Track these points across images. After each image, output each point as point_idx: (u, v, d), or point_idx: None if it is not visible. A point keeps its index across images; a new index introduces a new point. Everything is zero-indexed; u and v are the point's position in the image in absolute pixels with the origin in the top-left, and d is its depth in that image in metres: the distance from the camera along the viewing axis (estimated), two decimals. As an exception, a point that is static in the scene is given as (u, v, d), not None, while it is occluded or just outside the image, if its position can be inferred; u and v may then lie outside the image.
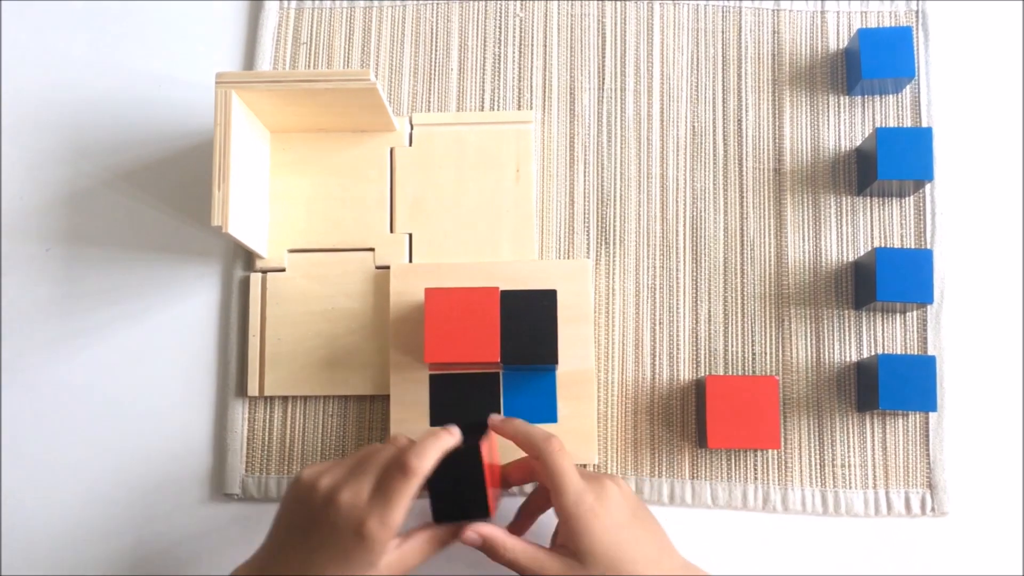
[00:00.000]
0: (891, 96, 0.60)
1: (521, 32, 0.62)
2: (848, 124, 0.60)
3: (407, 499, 0.43)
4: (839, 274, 0.58)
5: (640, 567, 0.45)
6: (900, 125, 0.60)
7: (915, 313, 0.57)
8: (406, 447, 0.45)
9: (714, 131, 0.60)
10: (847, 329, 0.57)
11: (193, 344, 0.59)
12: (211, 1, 0.64)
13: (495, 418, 0.50)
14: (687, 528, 0.55)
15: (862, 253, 0.58)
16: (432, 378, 0.55)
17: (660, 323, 0.58)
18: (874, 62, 0.57)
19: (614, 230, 0.59)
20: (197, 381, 0.58)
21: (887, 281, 0.53)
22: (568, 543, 0.46)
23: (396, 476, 0.43)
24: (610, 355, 0.58)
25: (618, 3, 0.62)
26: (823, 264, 0.58)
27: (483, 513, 0.46)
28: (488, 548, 0.47)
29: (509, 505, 0.53)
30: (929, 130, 0.55)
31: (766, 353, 0.57)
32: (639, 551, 0.45)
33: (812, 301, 0.58)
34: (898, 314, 0.57)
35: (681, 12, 0.62)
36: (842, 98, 0.60)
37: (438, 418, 0.52)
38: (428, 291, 0.52)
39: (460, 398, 0.52)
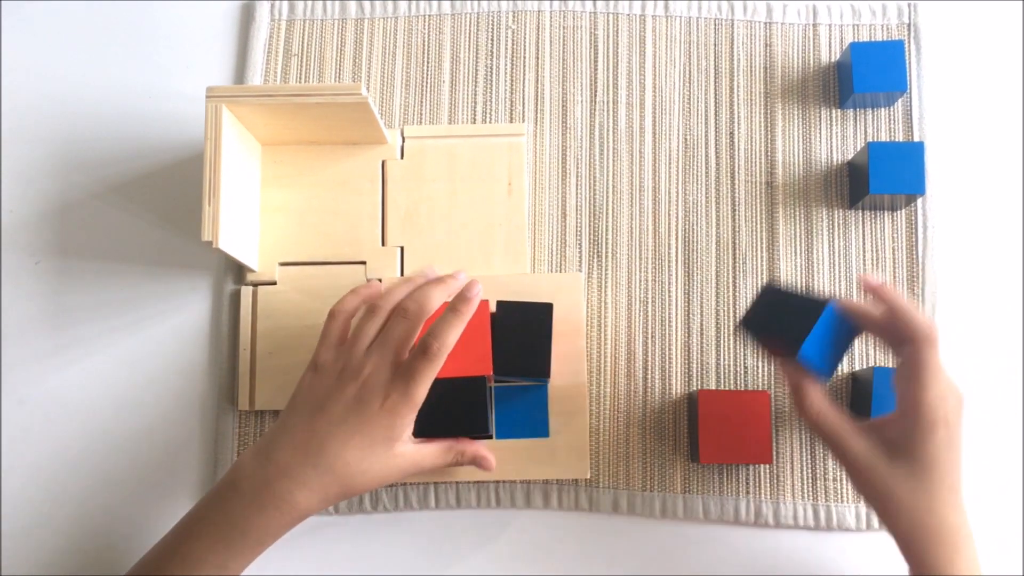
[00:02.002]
0: (883, 109, 0.60)
1: (513, 44, 0.62)
2: (840, 137, 0.60)
3: (429, 379, 0.47)
4: (831, 288, 0.58)
5: (943, 495, 0.43)
6: (892, 139, 0.60)
7: (907, 327, 0.57)
8: (430, 331, 0.48)
9: (706, 144, 0.60)
10: (839, 343, 0.57)
11: (183, 358, 0.58)
12: (202, 14, 0.64)
13: (872, 281, 0.47)
14: (679, 542, 0.55)
15: (854, 267, 0.58)
16: None
17: (652, 336, 0.58)
18: (866, 76, 0.58)
19: (606, 243, 0.59)
20: (188, 395, 0.58)
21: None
22: (897, 438, 0.44)
23: (419, 358, 0.47)
24: (602, 368, 0.57)
25: (610, 16, 0.62)
26: (815, 277, 0.58)
27: (544, 373, 0.52)
28: (795, 393, 0.46)
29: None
30: (921, 144, 0.55)
31: (758, 367, 0.57)
32: (954, 474, 0.43)
33: (804, 315, 0.58)
34: (890, 328, 0.57)
35: (673, 25, 0.62)
36: (834, 111, 0.61)
37: (421, 424, 0.51)
38: None
39: (447, 407, 0.51)
